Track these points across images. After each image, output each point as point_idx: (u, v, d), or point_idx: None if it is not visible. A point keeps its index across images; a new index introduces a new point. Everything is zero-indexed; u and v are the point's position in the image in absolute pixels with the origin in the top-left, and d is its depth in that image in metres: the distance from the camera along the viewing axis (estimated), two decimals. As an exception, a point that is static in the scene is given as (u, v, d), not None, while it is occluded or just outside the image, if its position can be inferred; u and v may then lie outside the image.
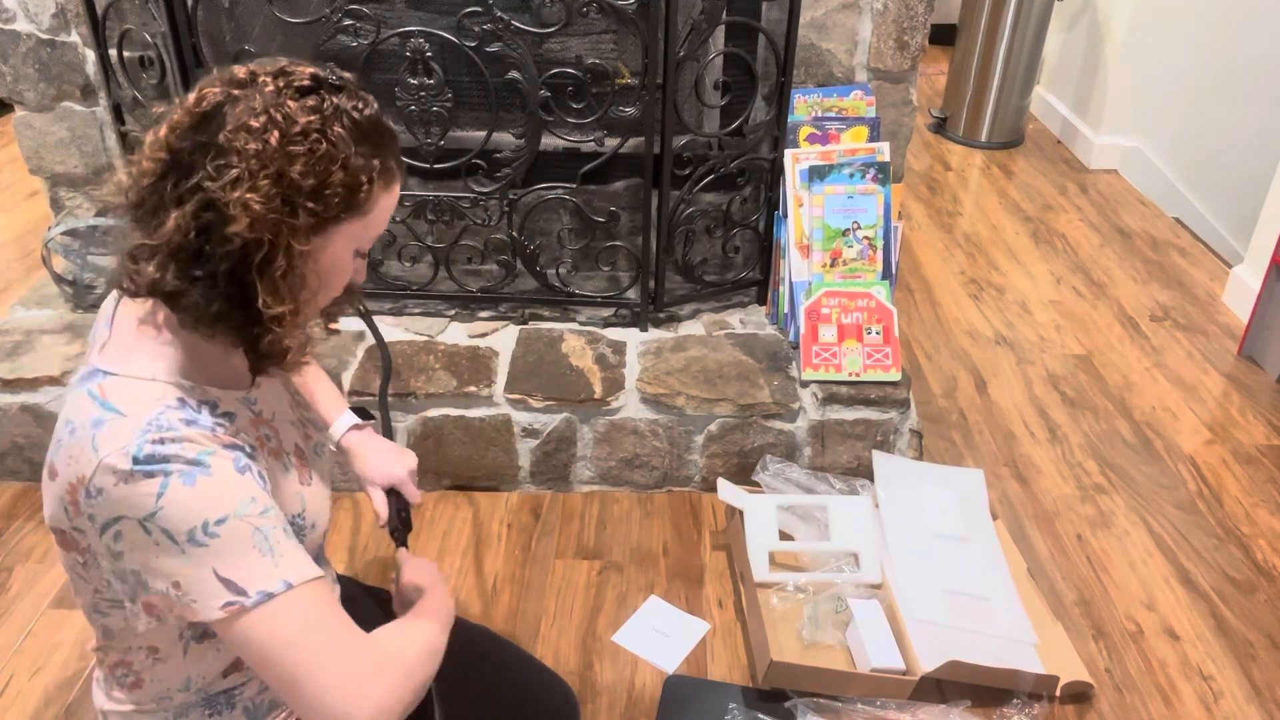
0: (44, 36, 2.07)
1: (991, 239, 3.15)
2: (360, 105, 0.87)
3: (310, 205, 0.83)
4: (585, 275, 2.19)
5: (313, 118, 0.83)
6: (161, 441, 0.80)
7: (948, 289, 2.85)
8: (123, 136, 2.11)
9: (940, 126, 3.99)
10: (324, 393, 1.25)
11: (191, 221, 0.81)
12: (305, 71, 0.86)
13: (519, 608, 1.77)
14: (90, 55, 2.08)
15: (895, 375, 1.97)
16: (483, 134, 1.93)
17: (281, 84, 0.84)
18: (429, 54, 1.85)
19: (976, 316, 2.72)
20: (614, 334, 2.12)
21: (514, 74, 1.86)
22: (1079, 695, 1.62)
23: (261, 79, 0.84)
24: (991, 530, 1.88)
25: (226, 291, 0.83)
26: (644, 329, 2.14)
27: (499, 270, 2.09)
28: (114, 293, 0.92)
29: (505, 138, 1.96)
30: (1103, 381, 2.44)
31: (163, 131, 0.84)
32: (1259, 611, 1.80)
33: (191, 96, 0.85)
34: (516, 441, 1.99)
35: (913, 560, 1.77)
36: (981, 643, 1.62)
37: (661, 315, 2.16)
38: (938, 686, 1.58)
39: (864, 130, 2.08)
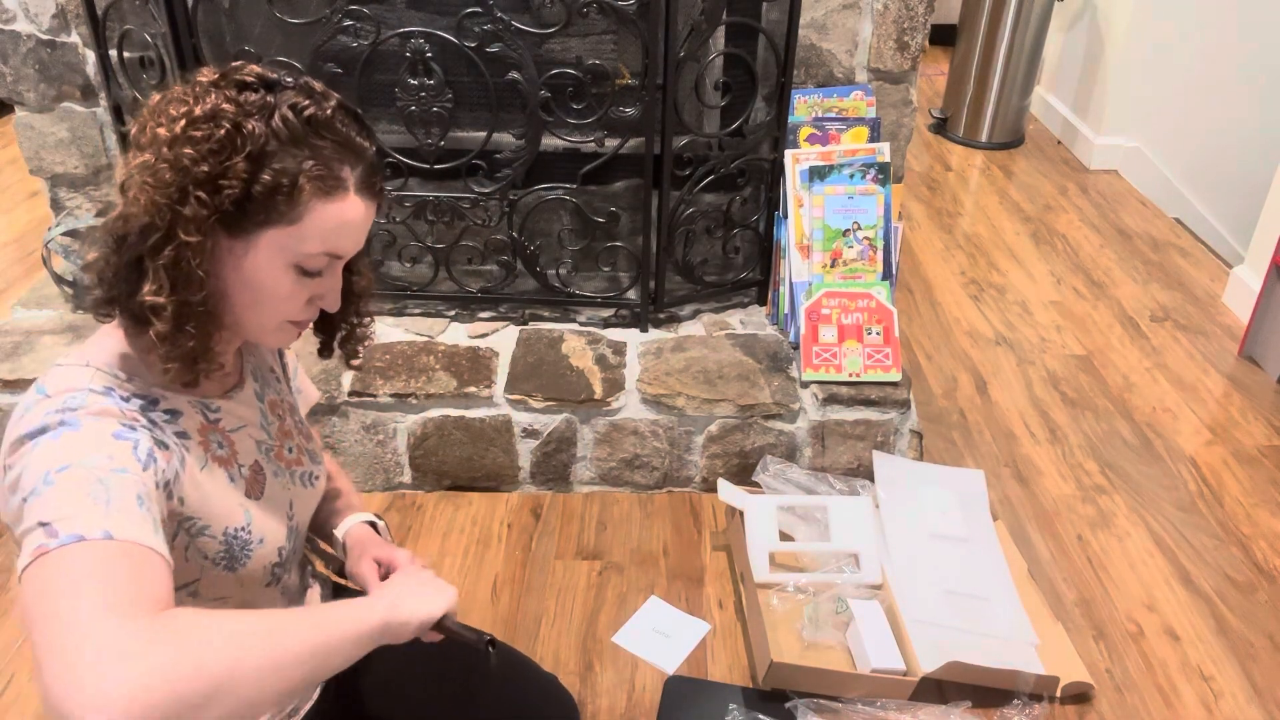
0: (44, 37, 2.07)
1: (992, 239, 3.15)
2: (308, 105, 0.83)
3: (200, 195, 0.79)
4: (585, 276, 2.19)
5: (228, 107, 0.80)
6: (64, 423, 0.77)
7: (948, 289, 2.85)
8: (123, 137, 2.11)
9: (940, 127, 3.99)
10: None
11: (119, 214, 0.82)
12: (252, 69, 0.84)
13: (519, 608, 1.76)
14: (90, 56, 2.08)
15: (895, 376, 1.97)
16: (483, 134, 1.93)
17: (219, 79, 0.83)
18: (429, 54, 1.85)
19: (977, 317, 2.72)
20: (614, 334, 2.12)
21: (514, 74, 1.86)
22: (1079, 696, 1.62)
23: (203, 77, 0.84)
24: (992, 531, 1.88)
25: (126, 276, 0.83)
26: (644, 329, 2.13)
27: (499, 271, 2.09)
28: None
29: (505, 138, 1.96)
30: (1103, 382, 2.44)
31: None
32: (1259, 612, 1.80)
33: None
34: (517, 442, 1.99)
35: (913, 561, 1.77)
36: (982, 643, 1.61)
37: (662, 316, 2.16)
38: (938, 687, 1.58)
39: (864, 131, 2.08)
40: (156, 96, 0.84)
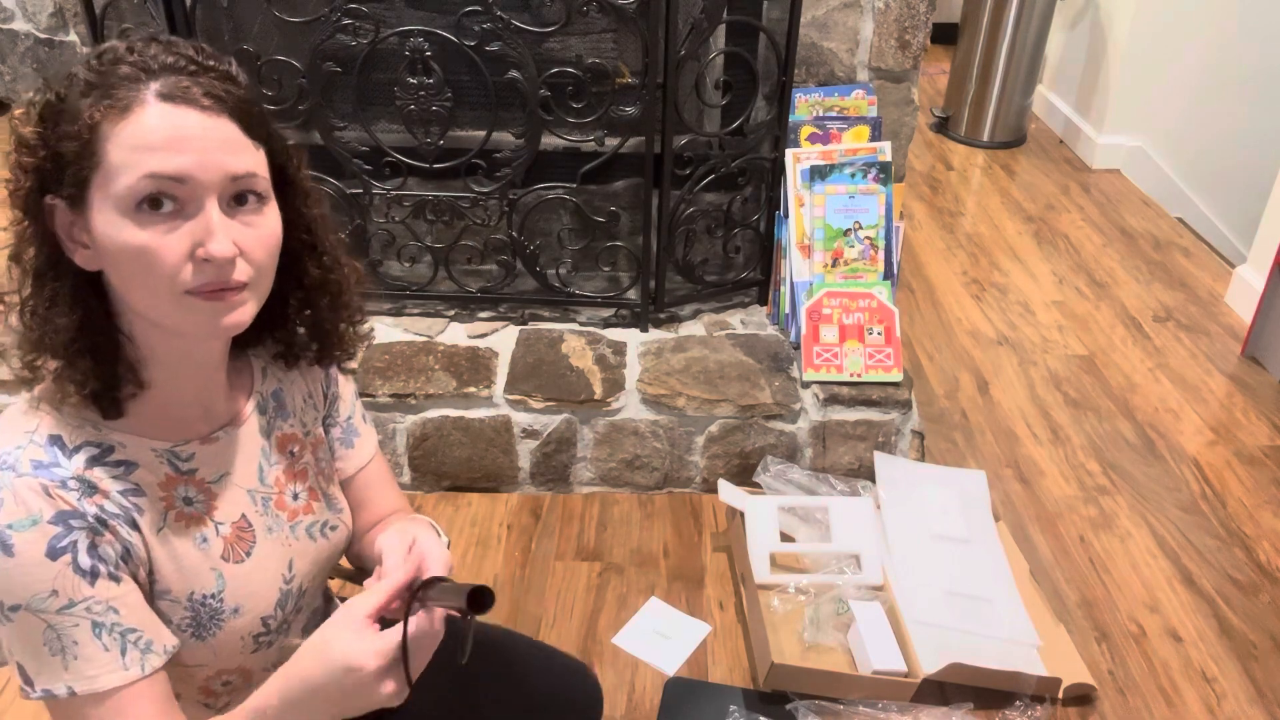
0: (42, 36, 2.07)
1: (993, 239, 3.14)
2: (107, 50, 0.76)
3: (22, 169, 0.76)
4: (585, 275, 2.18)
5: (48, 95, 0.76)
6: None
7: (950, 289, 2.85)
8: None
9: (942, 126, 3.98)
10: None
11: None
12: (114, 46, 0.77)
13: (519, 609, 1.76)
14: (89, 55, 2.07)
15: (897, 376, 1.97)
16: (482, 134, 1.92)
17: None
18: (428, 53, 1.85)
19: (978, 317, 2.71)
20: (614, 334, 2.11)
21: (514, 73, 1.86)
22: (1081, 697, 1.61)
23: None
24: (993, 531, 1.87)
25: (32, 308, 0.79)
26: (644, 329, 2.13)
27: (499, 270, 2.09)
28: None
29: (505, 137, 1.95)
30: (1105, 382, 2.44)
31: None
32: (1262, 613, 1.79)
33: None
34: (516, 442, 1.98)
35: (914, 562, 1.76)
36: (983, 645, 1.61)
37: (662, 315, 2.15)
38: (939, 689, 1.58)
39: (865, 130, 2.07)
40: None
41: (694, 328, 2.15)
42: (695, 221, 2.09)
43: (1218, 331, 2.64)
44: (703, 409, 1.95)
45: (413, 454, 1.99)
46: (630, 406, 1.96)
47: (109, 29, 1.93)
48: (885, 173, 2.03)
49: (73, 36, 2.07)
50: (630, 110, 1.92)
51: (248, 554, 0.88)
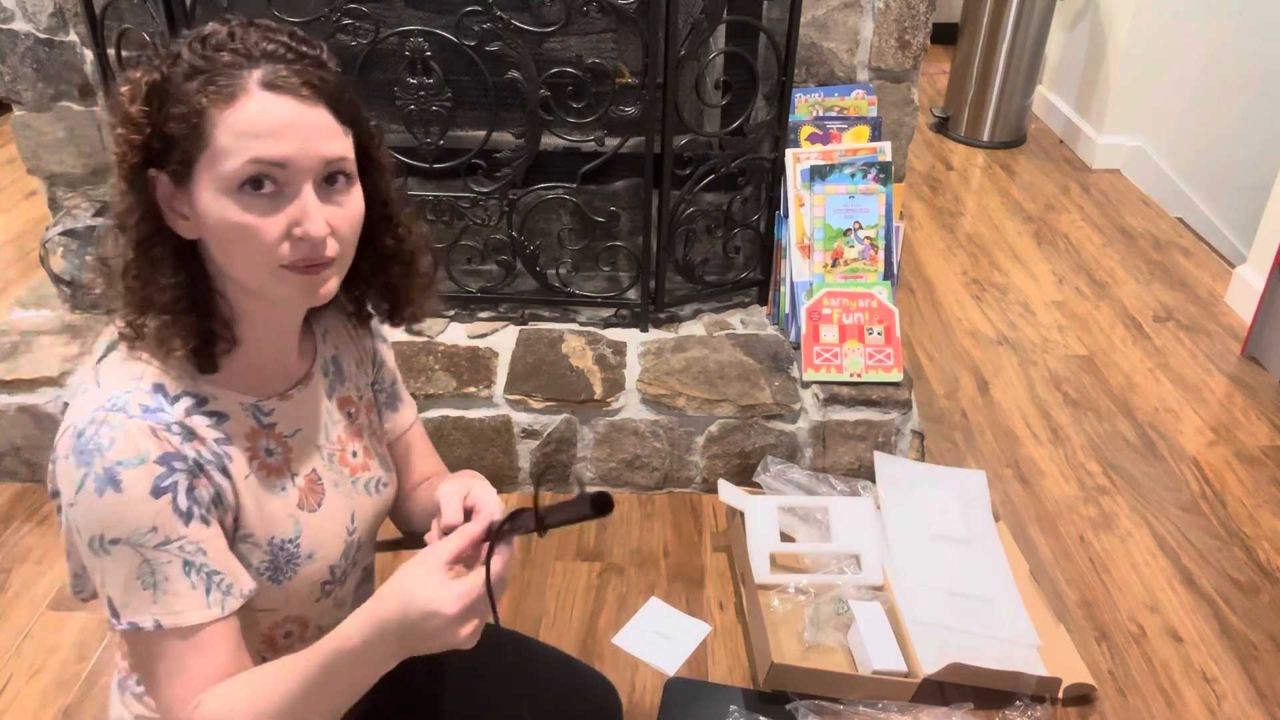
0: (42, 36, 2.06)
1: (993, 239, 3.14)
2: (208, 33, 0.80)
3: (129, 144, 0.80)
4: (585, 275, 2.18)
5: (149, 71, 0.80)
6: (103, 424, 0.78)
7: (950, 289, 2.85)
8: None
9: (942, 126, 3.98)
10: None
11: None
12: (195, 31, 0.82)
13: (519, 609, 1.76)
14: (88, 55, 2.07)
15: (897, 376, 1.96)
16: (482, 134, 1.92)
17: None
18: (428, 53, 1.85)
19: (978, 317, 2.71)
20: (614, 334, 2.11)
21: (514, 73, 1.86)
22: (1081, 697, 1.61)
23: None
24: (993, 532, 1.87)
25: (134, 274, 0.83)
26: (644, 329, 2.13)
27: (499, 270, 2.09)
28: None
29: (505, 137, 1.95)
30: (1105, 382, 2.44)
31: None
32: (1262, 613, 1.79)
33: None
34: (516, 442, 1.98)
35: (914, 562, 1.76)
36: (983, 645, 1.61)
37: (662, 315, 2.15)
38: (940, 689, 1.58)
39: (865, 130, 2.07)
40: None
41: (694, 328, 2.15)
42: (695, 221, 2.09)
43: (1218, 331, 2.64)
44: (703, 409, 1.95)
45: (413, 454, 1.99)
46: (630, 406, 1.96)
47: (109, 29, 1.93)
48: (885, 173, 2.03)
49: (73, 37, 2.07)
50: (630, 110, 1.92)
51: (319, 504, 0.94)
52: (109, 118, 0.81)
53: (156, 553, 0.79)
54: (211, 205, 0.79)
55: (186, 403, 0.83)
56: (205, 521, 0.82)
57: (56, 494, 0.82)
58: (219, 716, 0.81)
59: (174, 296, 0.82)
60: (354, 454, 1.00)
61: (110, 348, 0.87)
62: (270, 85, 0.78)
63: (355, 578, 1.03)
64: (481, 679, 1.14)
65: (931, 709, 1.54)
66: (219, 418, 0.86)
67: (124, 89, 0.80)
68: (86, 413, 0.79)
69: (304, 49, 0.81)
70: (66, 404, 0.84)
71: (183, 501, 0.80)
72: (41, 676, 1.61)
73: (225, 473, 0.85)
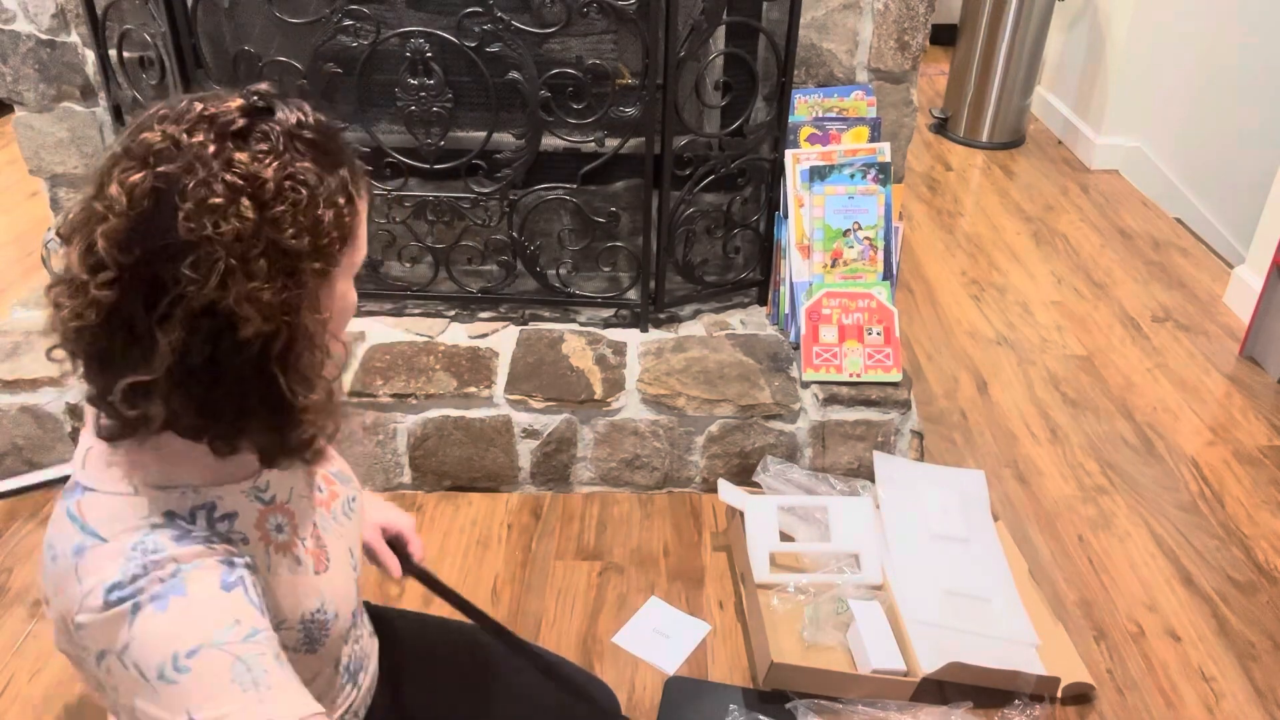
0: (44, 37, 2.07)
1: (992, 239, 3.14)
2: (302, 116, 0.74)
3: (316, 266, 0.71)
4: (585, 276, 2.18)
5: (273, 163, 0.69)
6: (145, 568, 0.69)
7: (949, 289, 2.85)
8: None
9: (941, 127, 3.99)
10: None
11: (190, 338, 0.68)
12: (232, 108, 0.71)
13: (519, 609, 1.76)
14: (90, 56, 2.08)
15: (896, 376, 1.97)
16: (483, 134, 1.93)
17: (214, 138, 0.69)
18: (429, 54, 1.85)
19: (977, 317, 2.72)
20: (614, 334, 2.12)
21: (514, 74, 1.86)
22: (1080, 697, 1.61)
23: (187, 141, 0.69)
24: (992, 531, 1.87)
25: (257, 397, 0.71)
26: (644, 329, 2.13)
27: (499, 271, 2.09)
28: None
29: (505, 138, 1.95)
30: (1104, 382, 2.44)
31: (100, 248, 0.67)
32: (1261, 613, 1.79)
33: (115, 191, 0.68)
34: (517, 442, 1.99)
35: (914, 561, 1.77)
36: (982, 644, 1.61)
37: (662, 316, 2.15)
38: (939, 688, 1.58)
39: (865, 130, 2.08)
40: (138, 196, 0.68)
41: (694, 328, 2.15)
42: (695, 222, 2.09)
43: (1216, 332, 2.65)
44: (703, 409, 1.96)
45: (413, 454, 1.99)
46: (630, 406, 1.97)
47: (110, 30, 1.93)
48: (884, 173, 2.03)
49: (74, 37, 2.07)
50: (630, 111, 1.92)
51: (329, 559, 0.89)
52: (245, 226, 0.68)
53: (247, 646, 0.70)
54: (343, 294, 0.78)
55: (203, 516, 0.76)
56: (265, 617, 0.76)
57: (97, 658, 0.71)
58: None
59: (241, 402, 0.72)
60: (321, 489, 0.94)
61: (74, 488, 0.76)
62: (359, 164, 0.78)
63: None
64: (479, 687, 1.15)
65: (930, 708, 1.55)
66: (230, 519, 0.79)
67: (300, 193, 0.70)
68: (111, 566, 0.69)
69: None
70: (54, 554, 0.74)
71: (253, 595, 0.73)
72: (43, 676, 1.61)
73: (255, 570, 0.78)
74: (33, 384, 1.94)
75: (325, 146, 0.74)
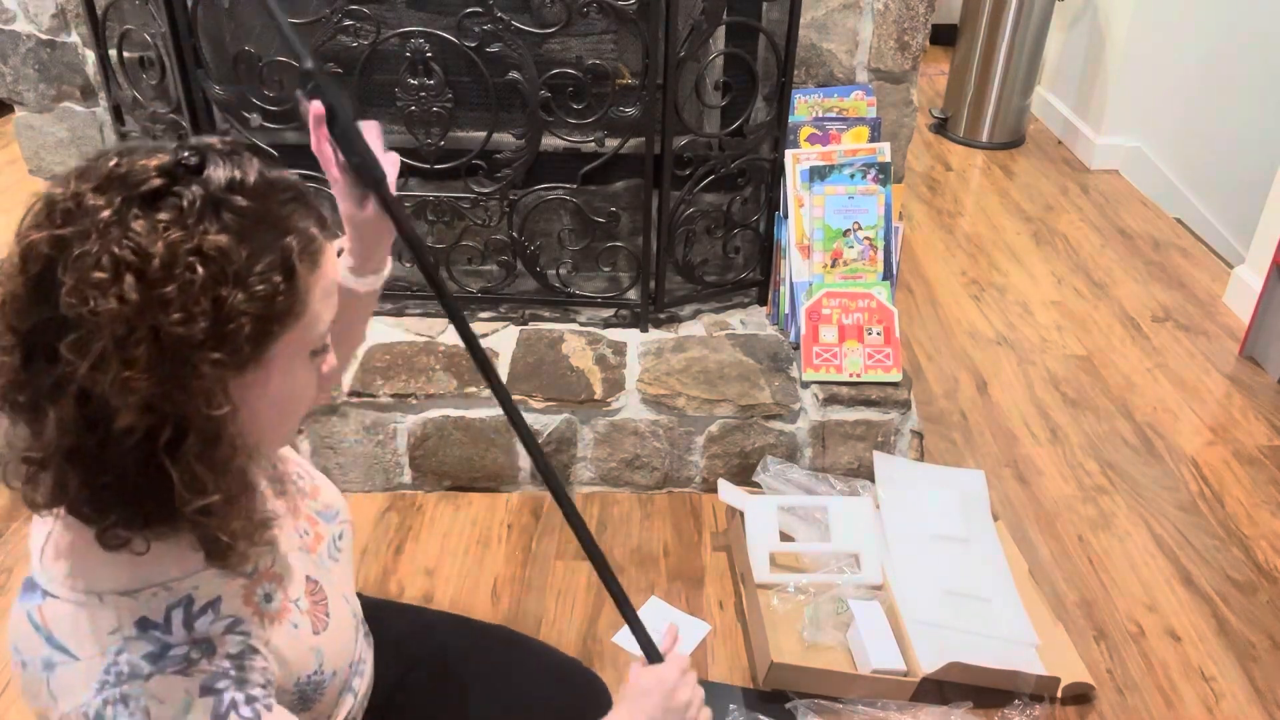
0: (44, 37, 2.07)
1: (992, 239, 3.14)
2: (237, 176, 0.65)
3: (215, 356, 0.62)
4: (585, 276, 2.18)
5: (175, 237, 0.61)
6: (122, 700, 0.65)
7: (949, 289, 2.85)
8: (122, 137, 2.11)
9: (941, 127, 3.99)
10: None
11: (75, 419, 0.62)
12: (150, 166, 0.63)
13: (519, 609, 1.76)
14: (90, 56, 2.08)
15: (896, 376, 1.97)
16: (483, 134, 1.93)
17: (118, 201, 0.62)
18: (429, 54, 1.85)
19: (977, 317, 2.72)
20: (614, 334, 2.12)
21: (514, 74, 1.86)
22: (1080, 696, 1.61)
23: (90, 200, 0.62)
24: (992, 531, 1.87)
25: (147, 492, 0.65)
26: (644, 329, 2.13)
27: (499, 271, 2.09)
28: None
29: (505, 138, 1.95)
30: (1104, 382, 2.44)
31: (3, 308, 0.63)
32: (1260, 613, 1.79)
33: (14, 249, 0.63)
34: (517, 442, 1.99)
35: (914, 561, 1.77)
36: (982, 644, 1.61)
37: (662, 316, 2.15)
38: (939, 688, 1.58)
39: (865, 130, 2.08)
40: (33, 259, 0.62)
41: (694, 328, 2.16)
42: (695, 222, 2.09)
43: (1216, 332, 2.65)
44: (703, 409, 1.96)
45: (414, 454, 1.99)
46: (630, 406, 1.97)
47: (110, 30, 1.93)
48: (884, 173, 2.03)
49: (74, 38, 2.07)
50: (630, 111, 1.92)
51: (328, 615, 0.85)
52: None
53: None
54: (290, 377, 0.70)
55: (179, 616, 0.69)
56: (269, 709, 0.72)
57: None
58: None
59: (127, 495, 0.66)
60: (305, 532, 0.88)
61: (33, 589, 0.71)
62: (323, 230, 0.70)
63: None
64: (474, 680, 1.14)
65: (930, 708, 1.55)
66: (212, 607, 0.72)
67: (195, 271, 0.62)
68: (86, 691, 0.66)
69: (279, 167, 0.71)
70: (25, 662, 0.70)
71: (246, 712, 0.69)
72: (43, 676, 1.61)
73: (256, 651, 0.74)
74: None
75: (259, 214, 0.65)
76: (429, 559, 1.86)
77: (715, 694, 1.59)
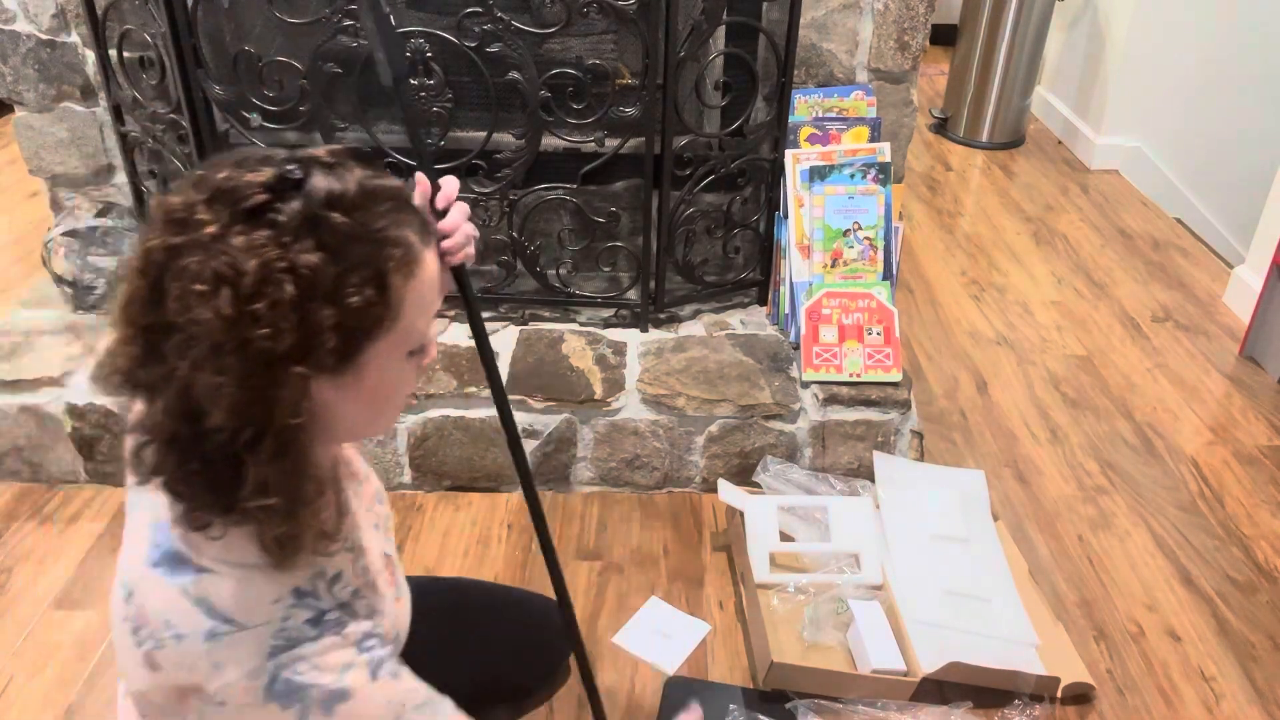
0: (44, 37, 2.07)
1: (992, 239, 3.14)
2: (338, 188, 0.69)
3: (299, 369, 0.67)
4: (585, 276, 2.18)
5: (269, 256, 0.65)
6: (295, 663, 0.71)
7: (948, 289, 2.85)
8: (123, 137, 2.11)
9: (941, 127, 3.99)
10: None
11: (176, 410, 0.68)
12: (256, 181, 0.67)
13: (519, 609, 1.76)
14: (90, 56, 2.08)
15: (896, 376, 1.97)
16: (483, 134, 1.93)
17: (224, 216, 0.66)
18: (429, 54, 1.85)
19: (977, 317, 2.72)
20: (614, 334, 2.12)
21: (514, 74, 1.86)
22: (1080, 696, 1.61)
23: (199, 213, 0.67)
24: (992, 531, 1.87)
25: (228, 483, 0.70)
26: (644, 329, 2.13)
27: (499, 271, 2.09)
28: None
29: (505, 138, 1.96)
30: (1104, 382, 2.44)
31: (121, 306, 0.70)
32: (1260, 613, 1.79)
33: (140, 255, 0.69)
34: (517, 442, 1.98)
35: (913, 561, 1.77)
36: (982, 644, 1.61)
37: (662, 316, 2.15)
38: (938, 688, 1.58)
39: (865, 130, 2.08)
40: (150, 264, 0.68)
41: (694, 328, 2.16)
42: (695, 222, 2.09)
43: (1216, 332, 2.65)
44: (703, 409, 1.96)
45: (413, 454, 1.99)
46: (630, 406, 1.97)
47: (110, 30, 1.93)
48: (884, 173, 2.03)
49: (74, 38, 2.07)
50: (630, 111, 1.92)
51: (396, 584, 0.92)
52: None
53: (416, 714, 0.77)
54: (386, 376, 0.74)
55: (322, 586, 0.78)
56: (401, 665, 0.79)
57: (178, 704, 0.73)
58: None
59: (209, 482, 0.71)
60: (370, 510, 0.95)
61: (181, 565, 0.74)
62: (425, 239, 0.75)
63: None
64: (424, 623, 1.16)
65: (930, 708, 1.55)
66: (340, 579, 0.81)
67: (286, 289, 0.66)
68: (257, 656, 0.71)
69: (397, 178, 0.77)
70: (151, 642, 0.73)
71: (392, 666, 0.77)
72: (43, 676, 1.61)
73: (380, 612, 0.83)
74: (33, 384, 1.94)
75: (354, 230, 0.69)
76: (429, 559, 1.86)
77: (715, 694, 1.60)
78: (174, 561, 0.73)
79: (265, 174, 0.68)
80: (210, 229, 0.66)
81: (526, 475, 1.09)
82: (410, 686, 0.79)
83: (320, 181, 0.69)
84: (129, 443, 0.73)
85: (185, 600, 0.72)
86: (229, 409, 0.66)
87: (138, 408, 0.73)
